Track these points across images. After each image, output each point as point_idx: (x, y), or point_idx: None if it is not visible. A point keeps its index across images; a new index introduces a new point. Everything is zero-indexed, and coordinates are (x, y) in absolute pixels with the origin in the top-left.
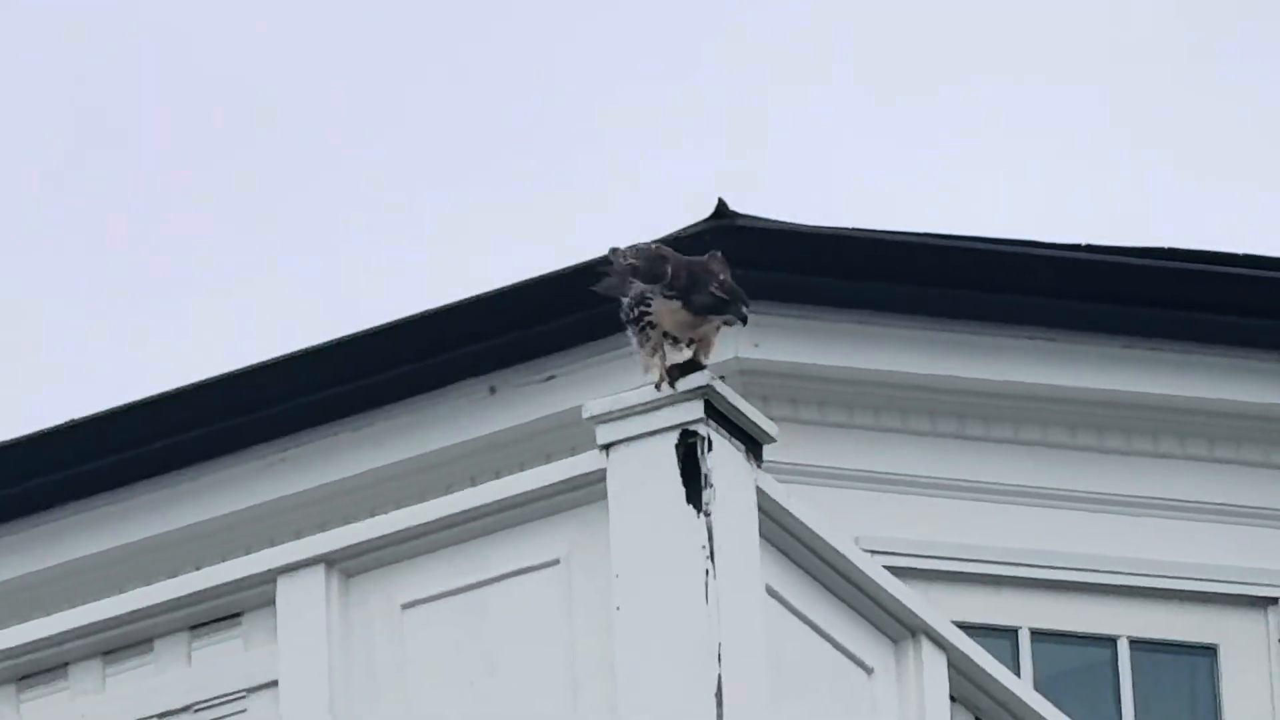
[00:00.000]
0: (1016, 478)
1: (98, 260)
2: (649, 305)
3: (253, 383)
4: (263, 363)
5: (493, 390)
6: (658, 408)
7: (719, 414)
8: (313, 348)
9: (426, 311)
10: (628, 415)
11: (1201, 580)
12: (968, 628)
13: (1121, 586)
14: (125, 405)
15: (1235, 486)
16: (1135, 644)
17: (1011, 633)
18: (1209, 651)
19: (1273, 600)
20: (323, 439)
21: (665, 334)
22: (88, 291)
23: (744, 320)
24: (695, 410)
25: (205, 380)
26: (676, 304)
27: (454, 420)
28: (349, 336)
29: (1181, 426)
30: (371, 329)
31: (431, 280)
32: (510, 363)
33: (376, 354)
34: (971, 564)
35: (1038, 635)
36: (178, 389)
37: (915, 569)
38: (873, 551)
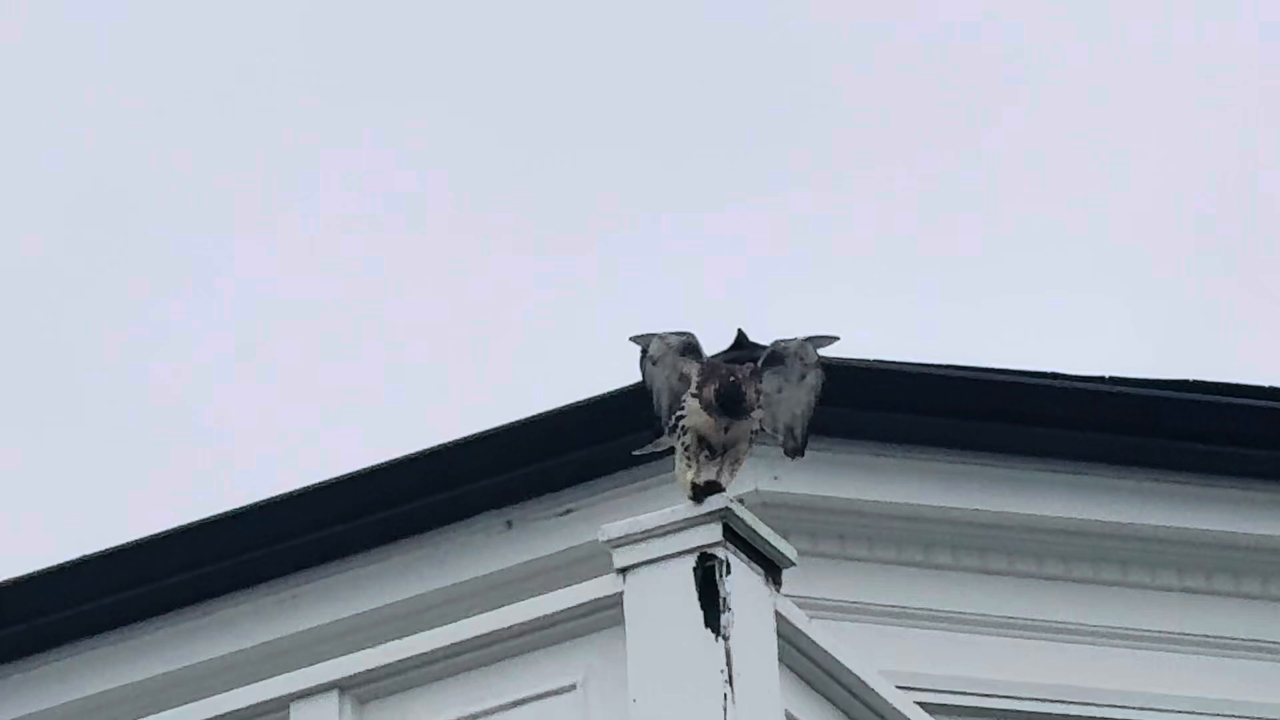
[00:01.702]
0: (1040, 613)
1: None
2: (683, 408)
3: (267, 517)
4: (276, 497)
5: (509, 524)
6: (676, 531)
7: (738, 537)
8: (327, 482)
9: (442, 445)
10: (645, 538)
11: (1232, 718)
12: None
13: None
14: (138, 541)
15: (1263, 622)
16: None
17: None
18: None
19: None
20: (338, 574)
21: (700, 440)
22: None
23: (761, 405)
24: (714, 533)
25: (219, 515)
26: (694, 405)
27: (470, 554)
28: (364, 470)
29: (1208, 561)
30: (386, 463)
31: (446, 413)
32: (527, 496)
33: (392, 488)
34: (995, 699)
35: None
36: (191, 523)
37: (938, 704)
38: (897, 688)
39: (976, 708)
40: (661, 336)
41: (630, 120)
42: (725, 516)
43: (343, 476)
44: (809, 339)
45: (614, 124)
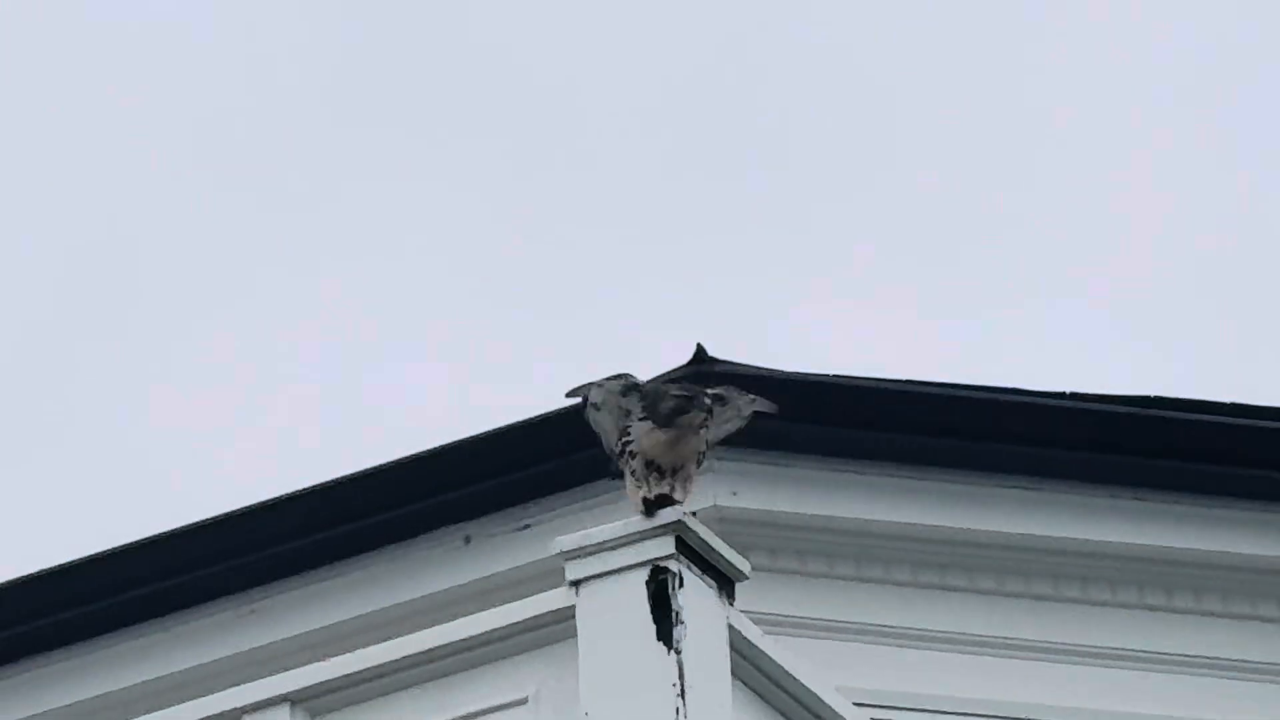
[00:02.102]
0: (1000, 630)
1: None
2: (629, 434)
3: (223, 533)
4: (233, 512)
5: (468, 540)
6: (629, 544)
7: (691, 550)
8: (284, 496)
9: (400, 459)
10: (598, 551)
11: None
12: None
13: None
14: (93, 555)
15: (1222, 639)
16: None
17: None
18: None
19: None
20: (295, 589)
21: (649, 464)
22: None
23: (709, 411)
24: (667, 546)
25: (175, 530)
26: (648, 424)
27: (428, 570)
28: (321, 485)
29: (1169, 579)
30: (344, 477)
31: (405, 428)
32: (485, 511)
33: (349, 503)
34: (954, 717)
35: None
36: (147, 538)
37: None
38: (854, 704)
39: None
40: (599, 384)
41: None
42: (678, 529)
43: (300, 491)
44: (752, 399)
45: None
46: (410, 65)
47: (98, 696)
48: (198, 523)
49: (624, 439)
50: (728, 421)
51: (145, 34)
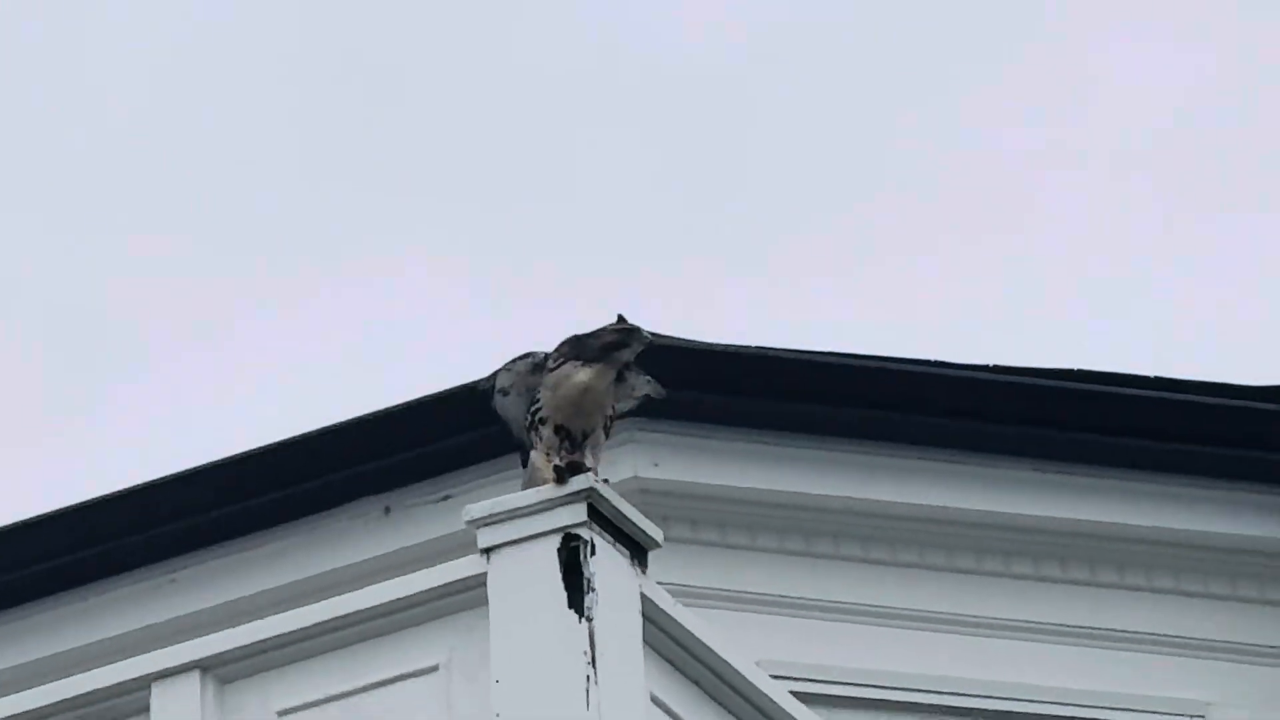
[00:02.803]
0: (922, 603)
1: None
2: (538, 400)
3: (141, 502)
4: (150, 482)
5: (387, 510)
6: (540, 511)
7: (603, 518)
8: (202, 466)
9: (319, 429)
10: (509, 518)
11: (1110, 709)
12: None
13: (1028, 714)
14: (9, 525)
15: (1146, 613)
16: None
17: None
18: None
19: None
20: (213, 560)
21: (558, 429)
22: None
23: (647, 341)
24: (579, 513)
25: (90, 500)
26: (569, 365)
27: (348, 541)
28: (239, 455)
29: (1090, 552)
30: (263, 447)
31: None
32: (405, 482)
33: (268, 473)
34: (874, 690)
35: None
36: (62, 509)
37: (819, 695)
38: (775, 676)
39: (856, 698)
40: (507, 367)
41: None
42: (590, 497)
43: (218, 461)
44: (647, 379)
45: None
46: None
47: (13, 667)
48: (115, 492)
49: (533, 407)
50: (619, 401)
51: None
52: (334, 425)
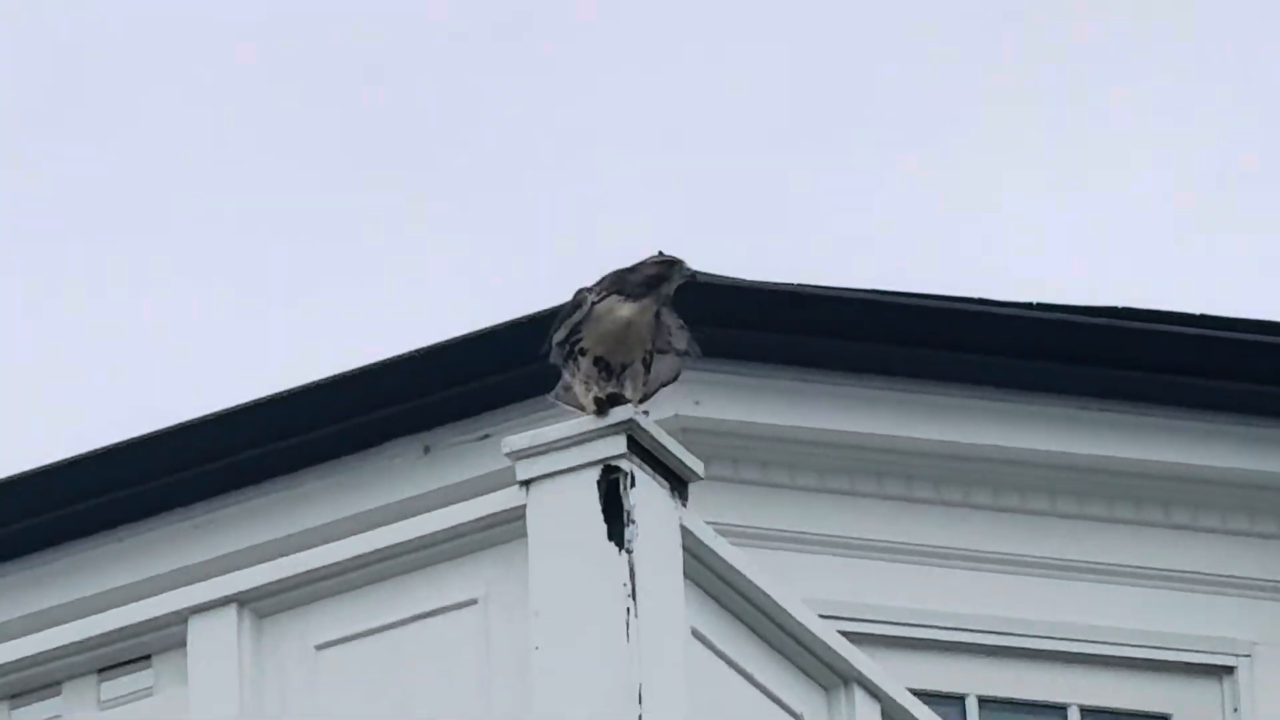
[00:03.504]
0: (965, 542)
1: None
2: (579, 333)
3: (179, 442)
4: (188, 422)
5: (427, 449)
6: (579, 443)
7: (643, 450)
8: (240, 406)
9: (358, 368)
10: (549, 450)
11: (1155, 648)
12: (913, 695)
13: (1073, 654)
14: (45, 466)
15: (1191, 552)
16: (1086, 713)
17: (959, 700)
18: None
19: (1228, 669)
20: (250, 500)
21: (597, 361)
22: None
23: (688, 274)
24: (618, 445)
25: (128, 440)
26: (612, 299)
27: (387, 480)
28: (278, 394)
29: (1136, 490)
30: (302, 386)
31: (365, 337)
32: (445, 421)
33: (307, 412)
34: (918, 629)
35: (985, 703)
36: (99, 449)
37: (859, 634)
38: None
39: (898, 637)
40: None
41: None
42: (630, 429)
43: (257, 400)
44: (689, 336)
45: None
46: None
47: (48, 609)
48: (151, 433)
49: (573, 338)
50: (661, 341)
51: None
52: (373, 364)
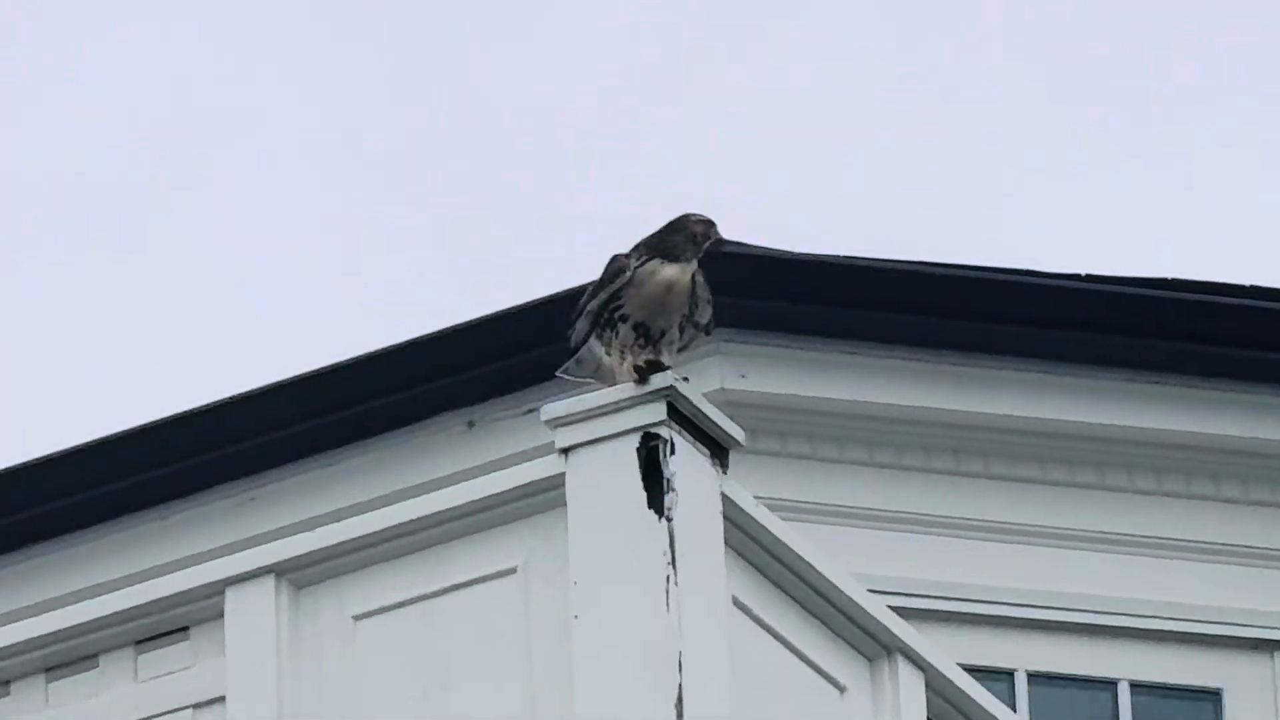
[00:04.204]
0: (1013, 515)
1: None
2: (619, 299)
3: (221, 418)
4: (231, 397)
5: (471, 424)
6: (619, 410)
7: (683, 416)
8: (283, 381)
9: (401, 343)
10: (587, 418)
11: (1206, 623)
12: (960, 669)
13: (1122, 628)
14: (90, 442)
15: (1242, 526)
16: (1136, 687)
17: (1008, 675)
18: (1213, 696)
19: (1279, 643)
20: (294, 476)
21: (638, 327)
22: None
23: (721, 238)
24: (658, 412)
25: (173, 415)
26: (654, 262)
27: (431, 455)
28: (321, 370)
29: (1186, 464)
30: (345, 361)
31: (406, 312)
32: (489, 396)
33: (350, 387)
34: (966, 604)
35: (1035, 678)
36: (145, 425)
37: (907, 608)
38: (869, 590)
39: (949, 612)
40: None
41: None
42: (669, 395)
43: (300, 376)
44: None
45: None
46: None
47: (95, 586)
48: (196, 409)
49: (613, 304)
50: (697, 305)
51: None
52: (417, 339)
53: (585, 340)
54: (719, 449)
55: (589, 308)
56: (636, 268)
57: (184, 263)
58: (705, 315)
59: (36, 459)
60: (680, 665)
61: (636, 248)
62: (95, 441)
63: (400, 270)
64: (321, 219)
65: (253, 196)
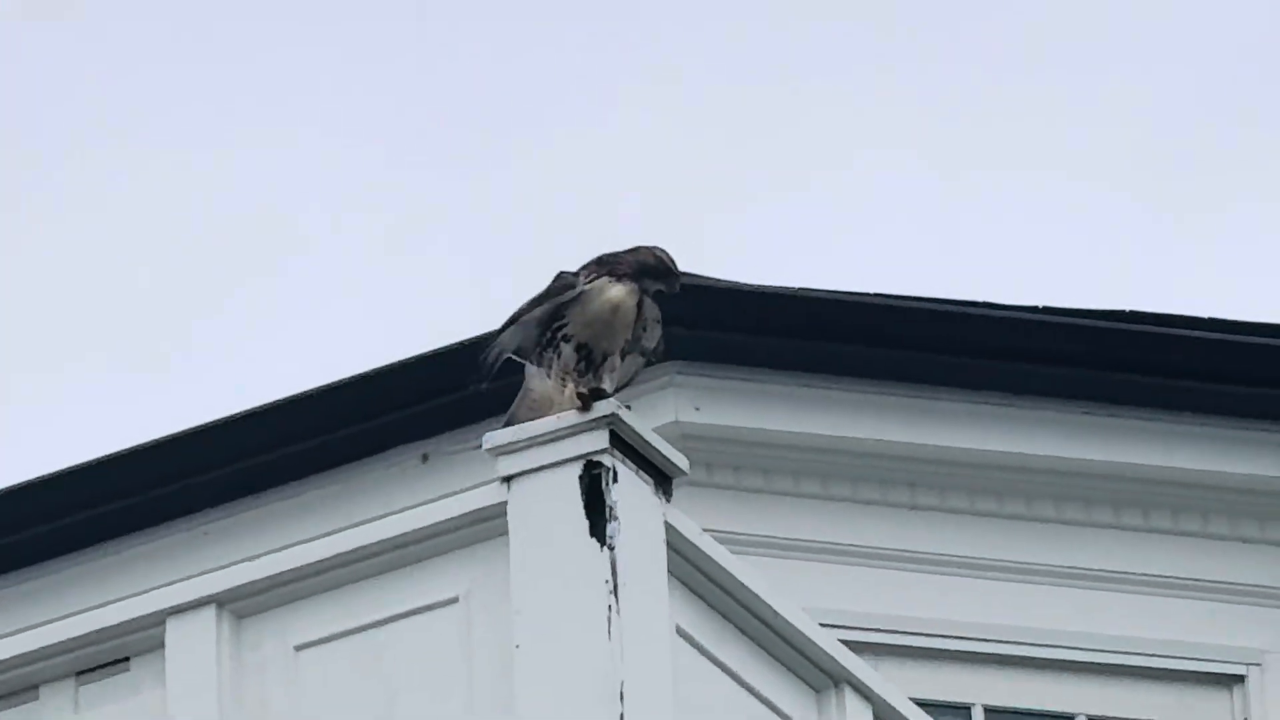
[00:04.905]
0: (970, 550)
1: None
2: (564, 317)
3: (174, 452)
4: (184, 431)
5: (425, 458)
6: (561, 438)
7: (626, 444)
8: (236, 415)
9: (355, 376)
10: (530, 446)
11: (1164, 657)
12: (918, 705)
13: (1080, 663)
14: (42, 477)
15: (1200, 560)
16: None
17: (964, 710)
18: None
19: (1238, 678)
20: (247, 510)
21: (580, 347)
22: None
23: (672, 264)
24: (600, 440)
25: (126, 450)
26: (602, 280)
27: (385, 489)
28: (274, 403)
29: (1142, 497)
30: (298, 394)
31: (360, 345)
32: (443, 429)
33: (304, 421)
34: (922, 638)
35: (992, 713)
36: (96, 459)
37: (864, 643)
38: (821, 624)
39: (907, 646)
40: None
41: None
42: (612, 423)
43: (252, 409)
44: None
45: None
46: None
47: (45, 622)
48: (149, 442)
49: (556, 324)
50: (640, 333)
51: None
52: (370, 371)
53: (499, 354)
54: (663, 477)
55: (524, 317)
56: (584, 285)
57: (135, 299)
58: (654, 338)
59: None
60: (622, 695)
61: (585, 266)
62: (44, 477)
63: (357, 303)
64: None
65: (210, 228)
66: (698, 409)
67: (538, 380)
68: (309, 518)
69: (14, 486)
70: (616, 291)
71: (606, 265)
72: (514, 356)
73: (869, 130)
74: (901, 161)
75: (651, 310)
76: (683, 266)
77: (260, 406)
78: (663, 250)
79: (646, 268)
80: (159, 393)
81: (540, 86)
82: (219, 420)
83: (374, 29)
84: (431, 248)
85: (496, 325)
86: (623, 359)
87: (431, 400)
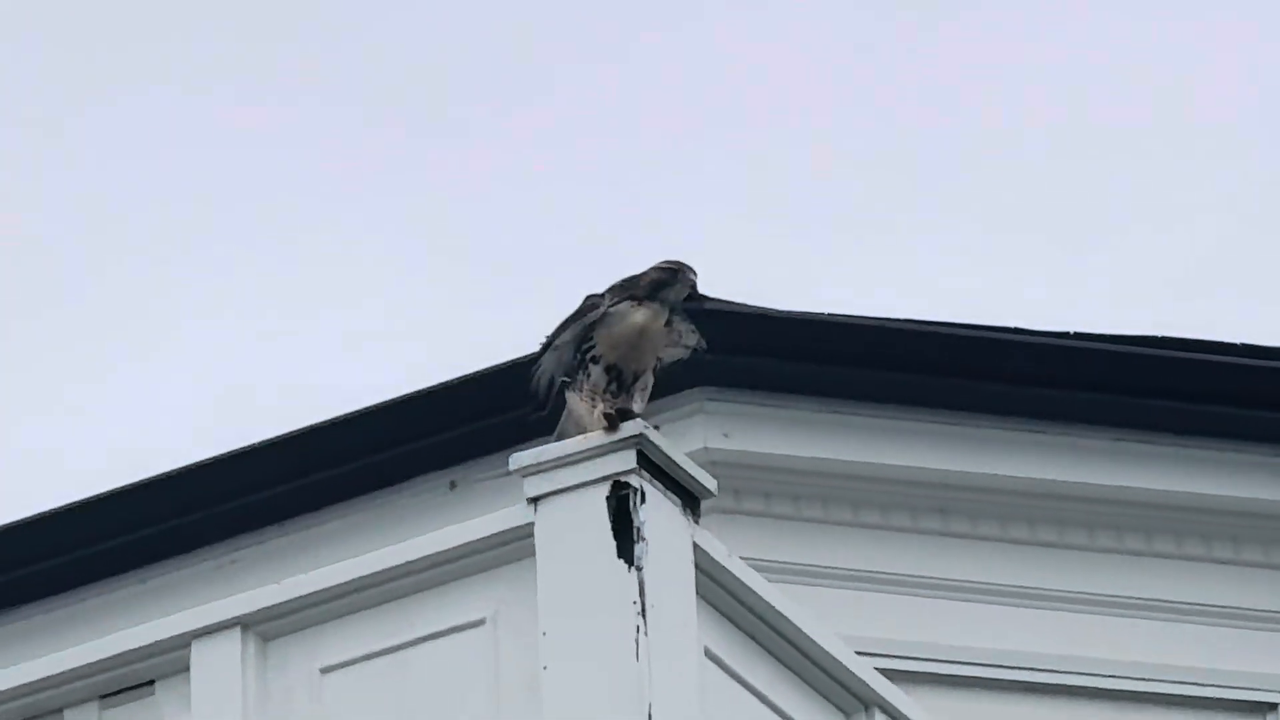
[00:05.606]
0: (1002, 577)
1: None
2: (591, 339)
3: (202, 481)
4: (212, 458)
5: (453, 485)
6: (588, 459)
7: (653, 465)
8: (265, 442)
9: (384, 403)
10: (557, 467)
11: (1197, 685)
12: None
13: (1113, 690)
14: (67, 506)
15: (1233, 587)
16: None
17: None
18: None
19: (1272, 706)
20: (275, 539)
21: (609, 369)
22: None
23: (694, 288)
24: (628, 460)
25: (153, 477)
26: (625, 304)
27: (413, 517)
28: (303, 430)
29: (1175, 524)
30: (326, 421)
31: (388, 371)
32: (471, 456)
33: (331, 448)
34: (954, 665)
35: None
36: (124, 486)
37: (894, 670)
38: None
39: (939, 674)
40: (564, 323)
41: None
42: (640, 443)
43: (280, 437)
44: (693, 329)
45: None
46: None
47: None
48: (177, 470)
49: (585, 346)
50: (672, 346)
51: None
52: (398, 399)
53: (550, 379)
54: (690, 498)
55: (555, 342)
56: (608, 308)
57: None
58: (692, 339)
59: (12, 523)
60: (650, 716)
61: (611, 289)
62: (72, 505)
63: (384, 326)
64: (299, 277)
65: (227, 260)
66: (726, 435)
67: (575, 400)
68: (337, 546)
69: (40, 515)
70: (640, 316)
71: (628, 289)
72: (561, 379)
73: (900, 156)
74: (931, 186)
75: (684, 324)
76: (704, 287)
77: (288, 434)
78: (667, 260)
79: (659, 284)
80: (183, 423)
81: (570, 123)
82: (246, 448)
83: (377, 29)
84: (460, 273)
85: (523, 352)
86: (655, 377)
87: (460, 427)
